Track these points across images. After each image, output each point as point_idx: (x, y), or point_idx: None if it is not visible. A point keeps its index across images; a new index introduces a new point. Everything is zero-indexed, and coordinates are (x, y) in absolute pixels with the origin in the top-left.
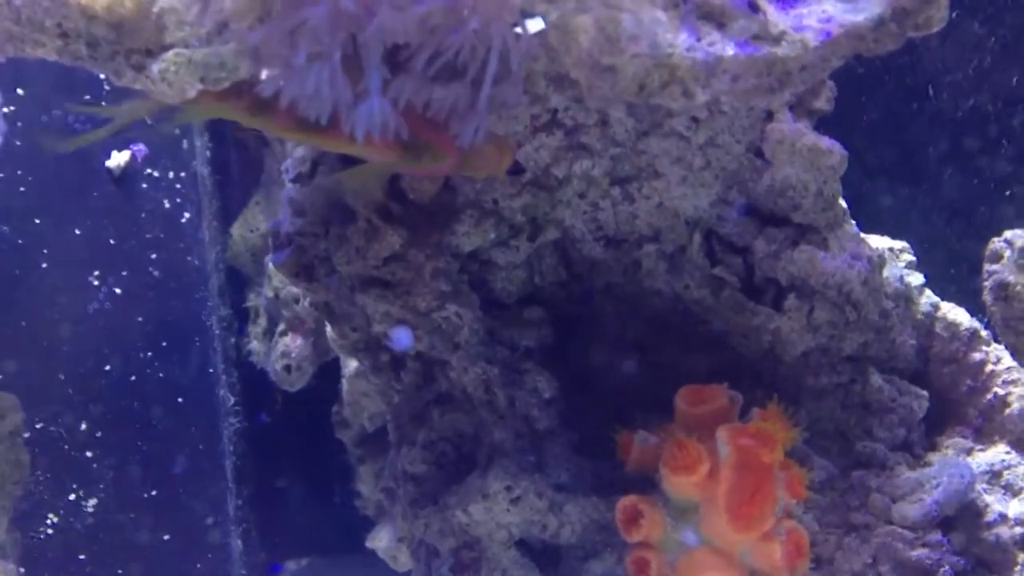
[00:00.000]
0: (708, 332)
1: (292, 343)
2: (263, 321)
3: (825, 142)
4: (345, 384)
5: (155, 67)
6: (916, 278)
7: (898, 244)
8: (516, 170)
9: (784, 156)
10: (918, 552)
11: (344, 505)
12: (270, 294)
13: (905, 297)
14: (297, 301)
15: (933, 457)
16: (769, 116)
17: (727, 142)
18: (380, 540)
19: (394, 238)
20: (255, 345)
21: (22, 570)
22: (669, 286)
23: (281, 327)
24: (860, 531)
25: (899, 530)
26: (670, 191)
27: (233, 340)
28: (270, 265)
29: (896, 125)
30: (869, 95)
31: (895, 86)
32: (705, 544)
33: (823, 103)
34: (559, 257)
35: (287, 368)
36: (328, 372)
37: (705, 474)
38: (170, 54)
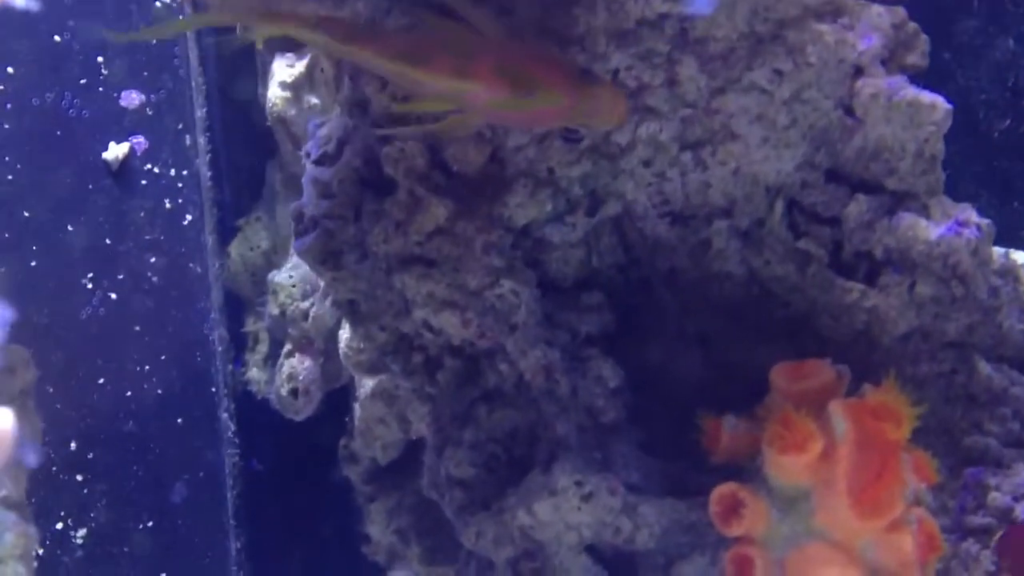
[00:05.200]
0: (787, 317)
1: (300, 364)
2: (264, 347)
3: (926, 96)
4: (358, 409)
5: None
6: (1021, 256)
7: None
8: (573, 136)
9: (879, 113)
10: None
11: (350, 552)
12: (275, 311)
13: (1012, 275)
14: (306, 318)
15: None
16: (858, 72)
17: (814, 97)
18: None
19: (440, 209)
20: (255, 373)
21: None
22: (744, 265)
23: (287, 347)
24: (978, 535)
25: None
26: (749, 155)
27: (230, 368)
28: (273, 280)
29: None
30: None
31: None
32: (819, 537)
33: (918, 58)
34: (619, 237)
35: (293, 392)
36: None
37: (818, 453)
38: None
